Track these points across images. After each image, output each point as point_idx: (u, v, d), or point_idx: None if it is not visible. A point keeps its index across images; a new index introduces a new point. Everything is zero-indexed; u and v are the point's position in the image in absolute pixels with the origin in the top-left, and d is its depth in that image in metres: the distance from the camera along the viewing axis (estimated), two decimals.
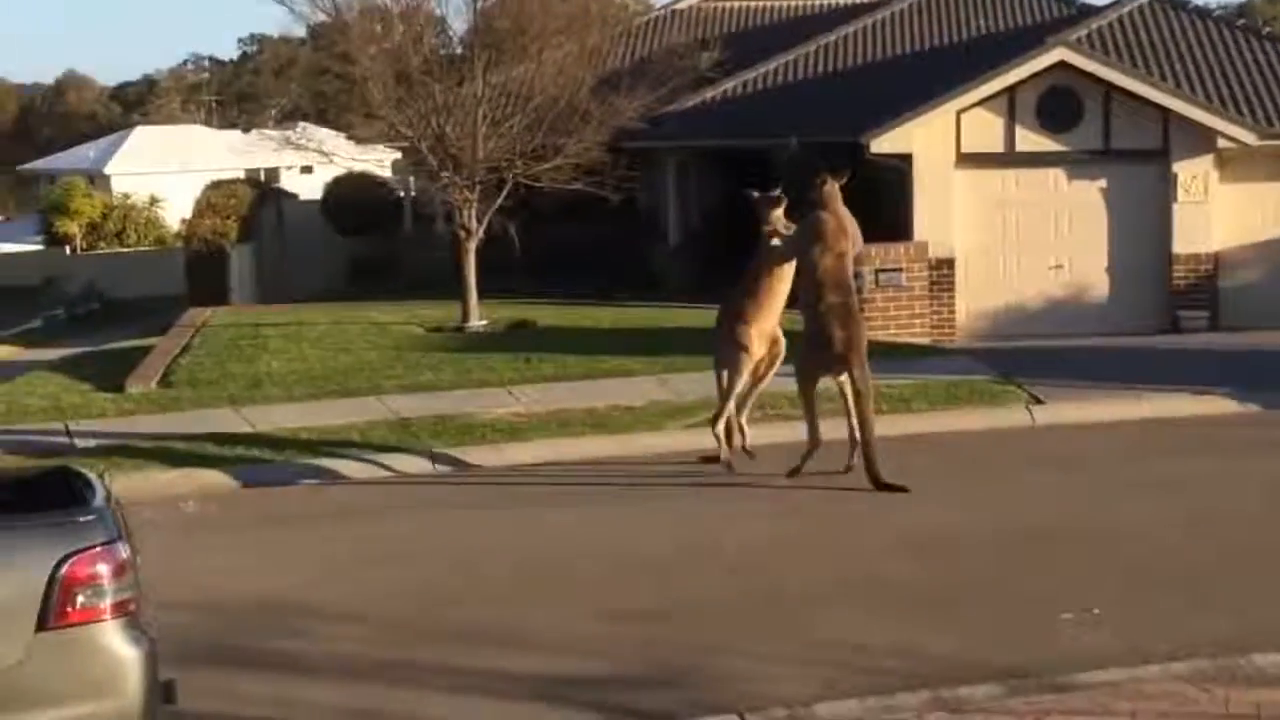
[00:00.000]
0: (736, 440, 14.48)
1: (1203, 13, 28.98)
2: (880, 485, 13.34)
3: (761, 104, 30.75)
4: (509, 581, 11.17)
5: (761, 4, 37.50)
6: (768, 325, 14.28)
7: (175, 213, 51.06)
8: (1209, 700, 8.20)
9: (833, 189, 13.98)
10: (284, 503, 14.09)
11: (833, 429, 13.92)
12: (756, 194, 14.61)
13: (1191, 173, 24.99)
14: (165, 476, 14.67)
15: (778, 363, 14.41)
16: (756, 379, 14.45)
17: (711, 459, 14.35)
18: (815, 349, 13.77)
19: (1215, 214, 25.12)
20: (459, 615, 10.35)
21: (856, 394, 13.64)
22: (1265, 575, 10.45)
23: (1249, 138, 24.82)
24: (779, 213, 14.38)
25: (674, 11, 37.09)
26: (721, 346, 14.50)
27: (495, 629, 10.01)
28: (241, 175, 42.55)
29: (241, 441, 15.76)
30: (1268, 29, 31.05)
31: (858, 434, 13.68)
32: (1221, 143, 24.86)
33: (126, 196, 55.28)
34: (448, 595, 10.82)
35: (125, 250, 51.38)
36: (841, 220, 13.91)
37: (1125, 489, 13.42)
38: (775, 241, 14.34)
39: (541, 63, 23.72)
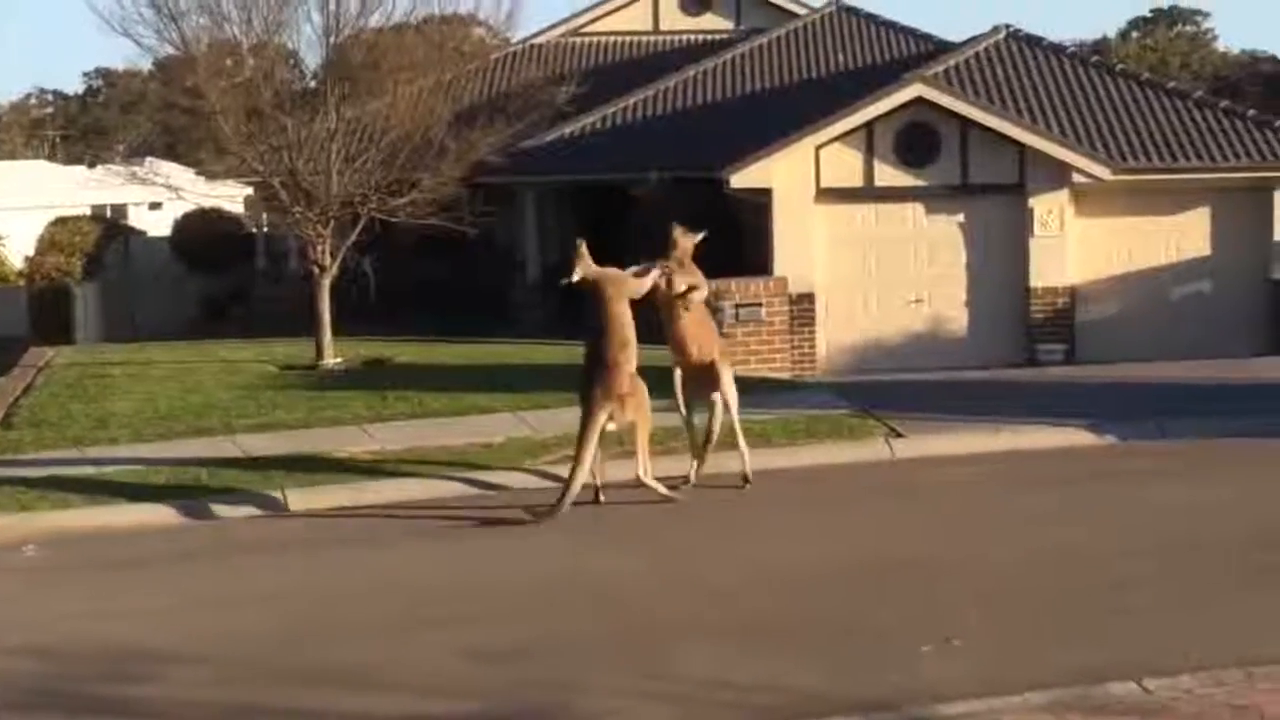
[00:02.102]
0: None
1: (1058, 49, 29.30)
2: (535, 512, 13.59)
3: (621, 139, 30.69)
4: (366, 621, 10.84)
5: (620, 39, 37.50)
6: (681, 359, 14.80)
7: (18, 250, 49.85)
8: None
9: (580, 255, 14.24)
10: (130, 545, 13.64)
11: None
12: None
13: (1047, 207, 25.22)
14: (5, 520, 14.16)
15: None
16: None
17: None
18: None
19: (1071, 248, 25.37)
20: (315, 656, 10.02)
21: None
22: (1121, 605, 10.42)
23: (1103, 172, 25.09)
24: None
25: (531, 46, 36.98)
26: None
27: (354, 670, 9.69)
28: (88, 211, 41.63)
29: (86, 483, 15.28)
30: (1121, 66, 31.47)
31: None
32: (1076, 177, 25.12)
33: None
34: (302, 636, 10.49)
35: None
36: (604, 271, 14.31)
37: (984, 521, 13.39)
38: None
39: (397, 97, 23.40)
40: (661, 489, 14.05)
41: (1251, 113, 27.26)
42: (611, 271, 14.33)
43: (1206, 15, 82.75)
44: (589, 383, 14.04)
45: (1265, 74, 66.72)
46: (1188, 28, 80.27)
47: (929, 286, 25.58)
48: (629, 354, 13.99)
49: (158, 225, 41.79)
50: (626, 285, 14.25)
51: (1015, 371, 23.26)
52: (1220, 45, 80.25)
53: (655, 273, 14.53)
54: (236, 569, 12.63)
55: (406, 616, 10.92)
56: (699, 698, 8.95)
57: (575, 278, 14.23)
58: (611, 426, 13.94)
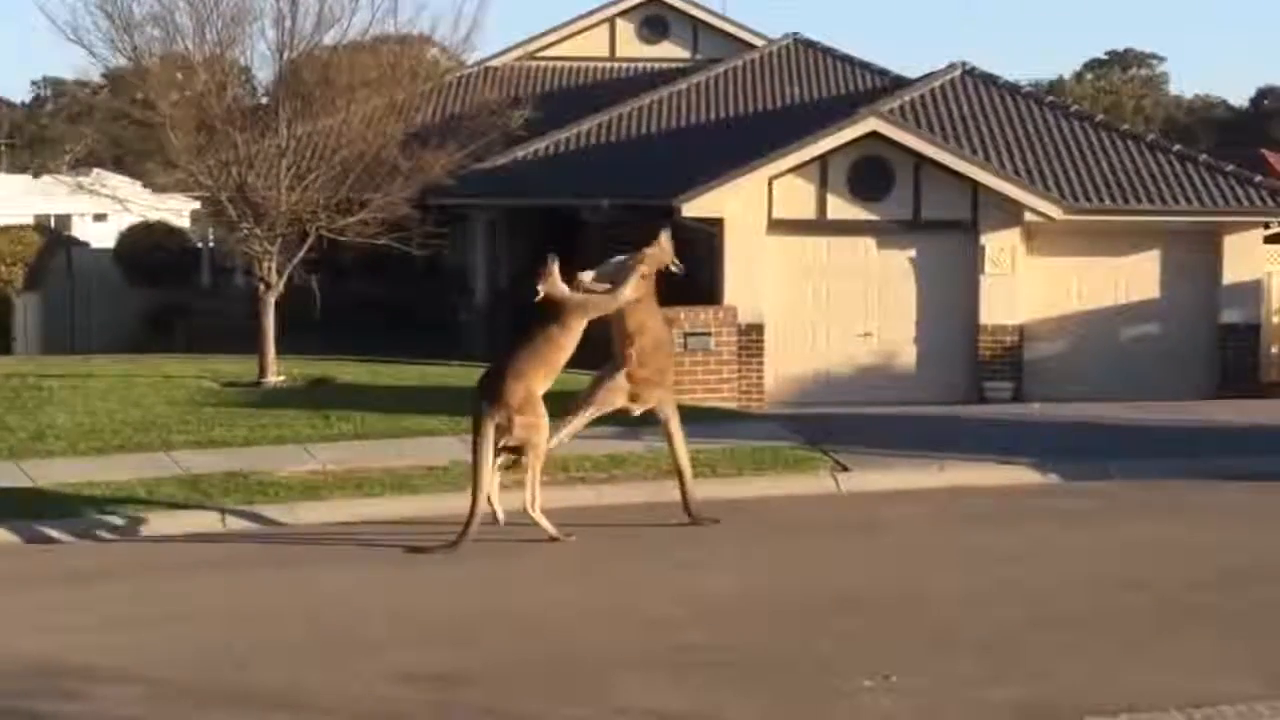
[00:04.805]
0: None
1: (1013, 88, 29.37)
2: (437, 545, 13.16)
3: (574, 164, 30.58)
4: (297, 644, 10.66)
5: (576, 65, 37.45)
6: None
7: None
8: None
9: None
10: (64, 560, 13.45)
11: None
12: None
13: (999, 245, 25.24)
14: None
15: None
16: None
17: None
18: None
19: (1021, 286, 25.38)
20: (243, 678, 9.82)
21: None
22: (1060, 644, 10.34)
23: (1055, 212, 25.14)
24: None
25: (487, 68, 36.87)
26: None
27: (282, 692, 9.50)
28: (31, 221, 41.27)
29: (20, 496, 15.06)
30: (1075, 106, 31.57)
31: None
32: (1029, 216, 25.16)
33: None
34: (231, 657, 10.29)
35: None
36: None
37: (928, 556, 13.31)
38: None
39: (349, 116, 23.22)
40: (549, 527, 13.45)
41: (1204, 157, 27.37)
42: (577, 298, 13.65)
43: (1161, 59, 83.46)
44: (479, 393, 13.43)
45: (1218, 119, 67.26)
46: (1142, 71, 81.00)
47: (879, 320, 25.56)
48: (537, 373, 13.39)
49: (102, 237, 41.43)
50: (589, 309, 13.58)
51: (962, 408, 23.23)
52: (1173, 89, 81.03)
53: (636, 276, 13.80)
54: (168, 588, 12.40)
55: (337, 639, 10.73)
56: None
57: (539, 295, 13.58)
58: (509, 451, 13.43)
